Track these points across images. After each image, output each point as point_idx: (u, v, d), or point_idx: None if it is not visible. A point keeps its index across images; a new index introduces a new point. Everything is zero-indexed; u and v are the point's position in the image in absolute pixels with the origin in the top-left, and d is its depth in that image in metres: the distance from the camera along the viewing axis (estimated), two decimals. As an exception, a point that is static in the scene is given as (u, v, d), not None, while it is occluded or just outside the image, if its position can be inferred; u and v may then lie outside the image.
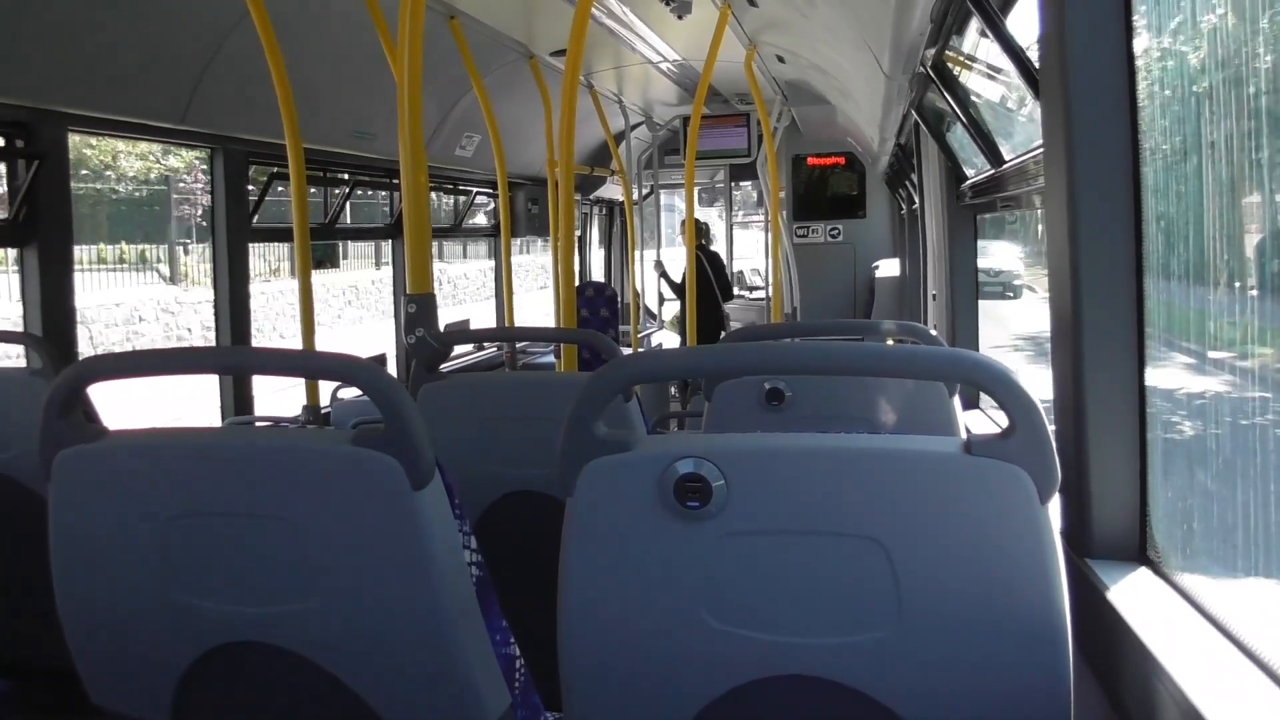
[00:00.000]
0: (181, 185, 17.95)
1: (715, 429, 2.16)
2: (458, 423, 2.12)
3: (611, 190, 8.13)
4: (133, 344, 13.65)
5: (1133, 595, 1.34)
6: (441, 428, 2.07)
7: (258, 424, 3.65)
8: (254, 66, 3.31)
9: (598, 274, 8.96)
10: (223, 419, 3.74)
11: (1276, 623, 1.17)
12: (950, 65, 3.16)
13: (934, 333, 2.40)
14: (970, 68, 3.21)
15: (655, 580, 1.08)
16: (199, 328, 15.05)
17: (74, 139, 3.14)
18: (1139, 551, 1.46)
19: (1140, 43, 1.44)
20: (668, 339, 8.83)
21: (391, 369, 5.11)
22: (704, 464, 1.05)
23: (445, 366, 3.30)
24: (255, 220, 3.99)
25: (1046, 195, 1.61)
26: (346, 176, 4.79)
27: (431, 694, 1.21)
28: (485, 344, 6.31)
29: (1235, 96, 1.31)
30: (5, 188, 3.08)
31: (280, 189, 4.10)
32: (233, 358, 2.32)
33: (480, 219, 7.28)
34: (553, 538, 1.12)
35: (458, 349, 5.62)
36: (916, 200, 4.73)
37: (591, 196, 8.18)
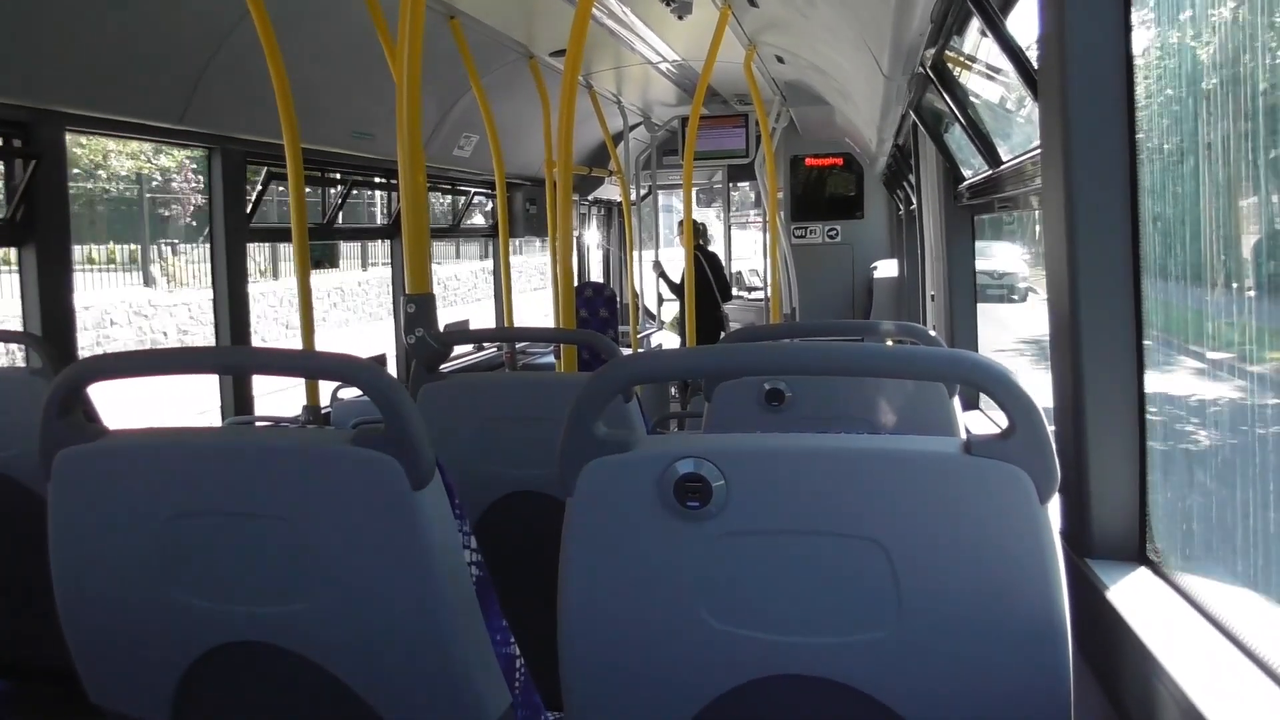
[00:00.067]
0: (155, 184, 17.73)
1: (715, 429, 2.16)
2: (458, 423, 2.12)
3: (610, 191, 8.13)
4: (103, 348, 13.32)
5: (1132, 595, 1.34)
6: (441, 428, 2.07)
7: (258, 424, 3.65)
8: (253, 66, 3.31)
9: (596, 274, 8.96)
10: (223, 419, 3.74)
11: (1276, 622, 1.17)
12: (949, 66, 3.16)
13: (933, 333, 2.40)
14: (969, 68, 3.22)
15: (655, 580, 1.08)
16: (174, 331, 14.69)
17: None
18: (1139, 551, 1.46)
19: (1139, 43, 1.44)
20: (667, 339, 8.83)
21: (391, 369, 5.11)
22: (704, 464, 1.05)
23: (445, 366, 3.29)
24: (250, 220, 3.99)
25: (1044, 196, 1.61)
26: (344, 176, 4.79)
27: (431, 693, 1.21)
28: (485, 344, 6.31)
29: (1233, 96, 1.31)
30: (3, 187, 3.07)
31: (280, 189, 4.10)
32: (233, 358, 2.32)
33: (478, 219, 7.28)
34: (553, 538, 1.12)
35: (457, 349, 5.62)
36: (914, 201, 4.73)
37: (590, 197, 8.18)
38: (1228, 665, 1.12)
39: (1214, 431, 1.52)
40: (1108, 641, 1.31)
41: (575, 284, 3.66)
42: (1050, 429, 1.02)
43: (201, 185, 17.99)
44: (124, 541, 1.23)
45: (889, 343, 2.63)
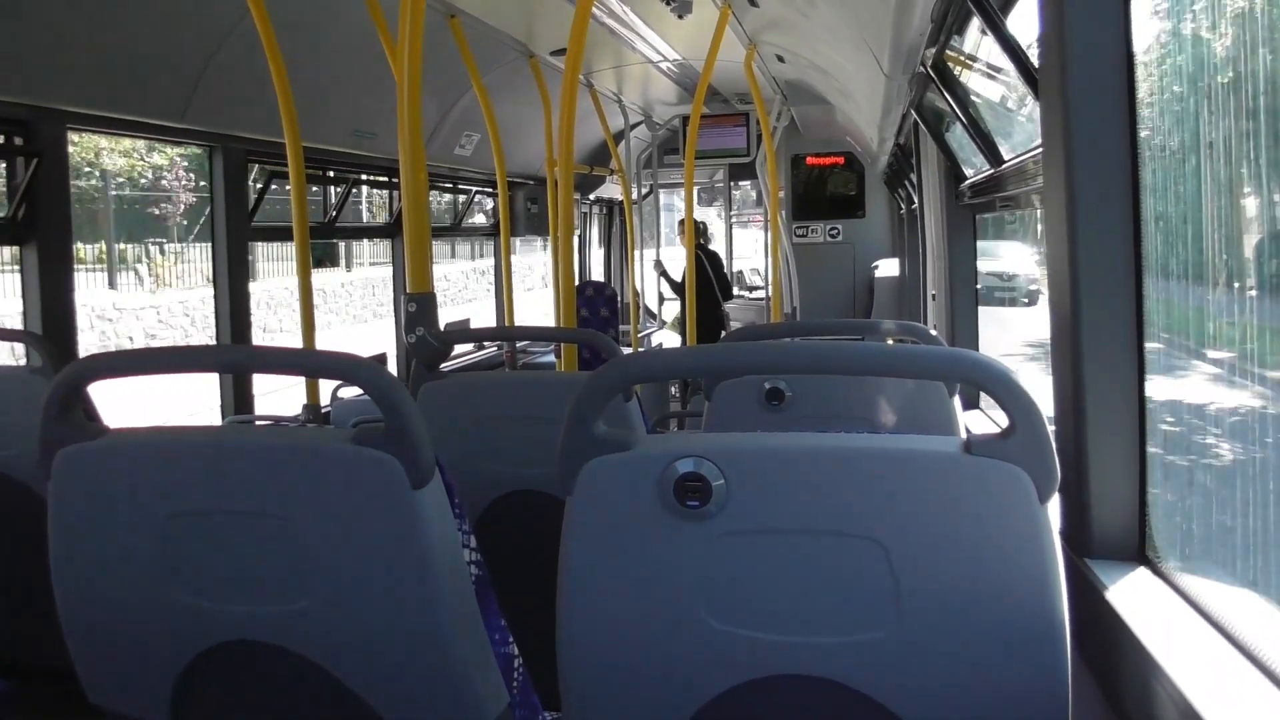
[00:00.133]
0: (119, 181, 17.54)
1: (715, 429, 2.16)
2: (458, 422, 2.12)
3: (611, 190, 8.13)
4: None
5: (1131, 595, 1.34)
6: (441, 427, 2.07)
7: (258, 423, 3.65)
8: (254, 65, 3.31)
9: (597, 273, 8.96)
10: (223, 418, 3.74)
11: (1275, 622, 1.17)
12: (950, 65, 3.16)
13: (934, 332, 2.40)
14: (970, 67, 3.22)
15: (654, 579, 1.08)
16: (141, 336, 14.15)
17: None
18: (1138, 551, 1.46)
19: (1140, 42, 1.44)
20: (668, 339, 8.83)
21: (391, 368, 5.11)
22: (704, 463, 1.05)
23: (445, 366, 3.30)
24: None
25: (1045, 195, 1.61)
26: (346, 175, 4.79)
27: (430, 693, 1.21)
28: (485, 343, 6.31)
29: (1234, 96, 1.31)
30: (4, 185, 3.07)
31: (282, 188, 4.10)
32: (233, 356, 2.32)
33: (479, 218, 7.28)
34: (552, 537, 1.12)
35: (458, 349, 5.62)
36: (916, 200, 4.73)
37: (591, 196, 8.18)
38: (1226, 666, 1.12)
39: (1214, 431, 1.52)
40: (1107, 642, 1.31)
41: (576, 283, 3.66)
42: (1050, 429, 1.01)
43: (191, 183, 17.93)
44: (124, 540, 1.23)
45: (889, 342, 2.63)
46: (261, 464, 1.20)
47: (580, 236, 8.40)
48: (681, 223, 7.68)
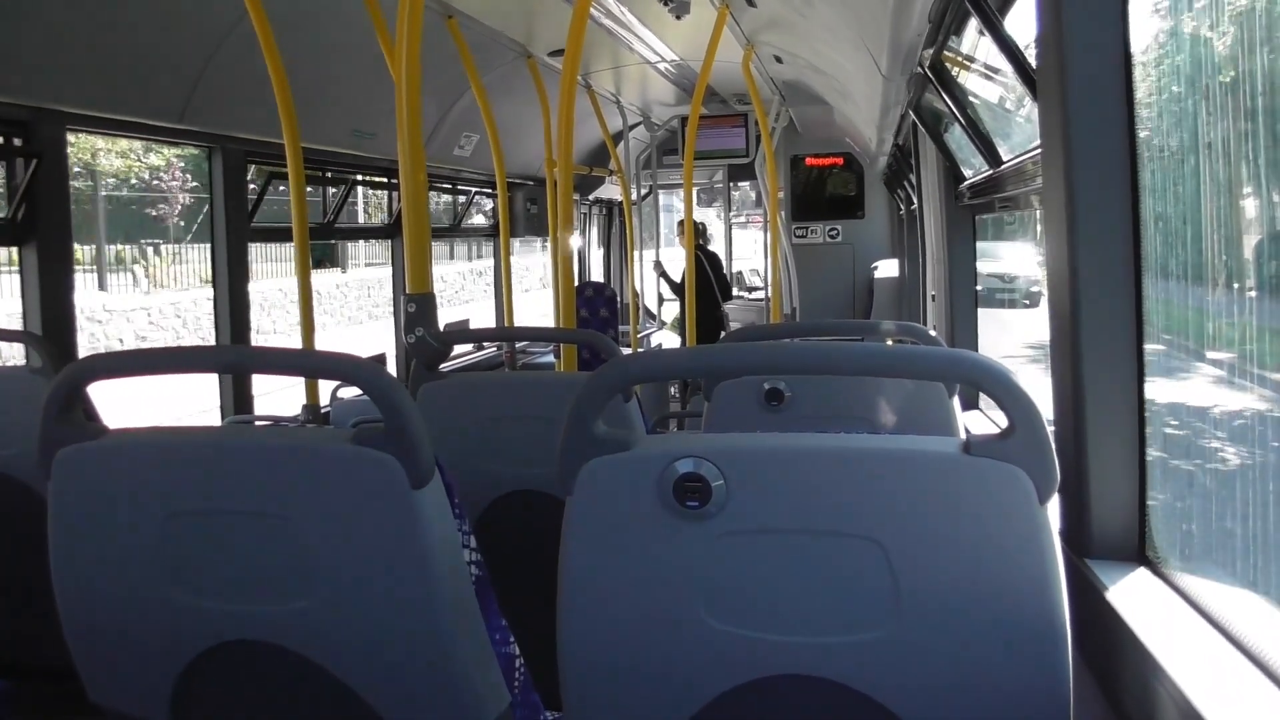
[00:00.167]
0: (114, 182, 17.42)
1: (715, 429, 2.16)
2: (457, 422, 2.12)
3: (610, 190, 8.13)
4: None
5: (1131, 595, 1.35)
6: (441, 427, 2.07)
7: (258, 423, 3.65)
8: (253, 66, 3.31)
9: (596, 274, 8.96)
10: (223, 418, 3.74)
11: (1275, 622, 1.17)
12: (948, 66, 3.16)
13: (933, 333, 2.40)
14: (968, 68, 3.22)
15: (654, 579, 1.08)
16: (131, 338, 13.99)
17: None
18: (1138, 551, 1.46)
19: (1138, 42, 1.44)
20: (667, 339, 8.83)
21: (391, 369, 5.11)
22: (703, 464, 1.05)
23: (445, 366, 3.30)
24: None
25: (1045, 195, 1.61)
26: (345, 176, 4.79)
27: (430, 692, 1.21)
28: (485, 344, 6.31)
29: (1233, 96, 1.31)
30: (4, 186, 3.07)
31: (276, 189, 4.10)
32: (233, 356, 2.32)
33: (478, 219, 7.28)
34: (552, 537, 1.12)
35: (457, 349, 5.62)
36: (915, 201, 4.73)
37: (590, 197, 8.18)
38: (1226, 665, 1.12)
39: (1215, 432, 1.52)
40: (1107, 642, 1.31)
41: (575, 284, 3.66)
42: (1050, 429, 1.02)
43: (188, 184, 17.85)
44: (124, 540, 1.23)
45: (889, 342, 2.63)
46: (261, 464, 1.20)
47: (579, 236, 8.41)
48: (681, 223, 7.69)
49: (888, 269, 7.69)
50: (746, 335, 2.52)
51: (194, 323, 15.04)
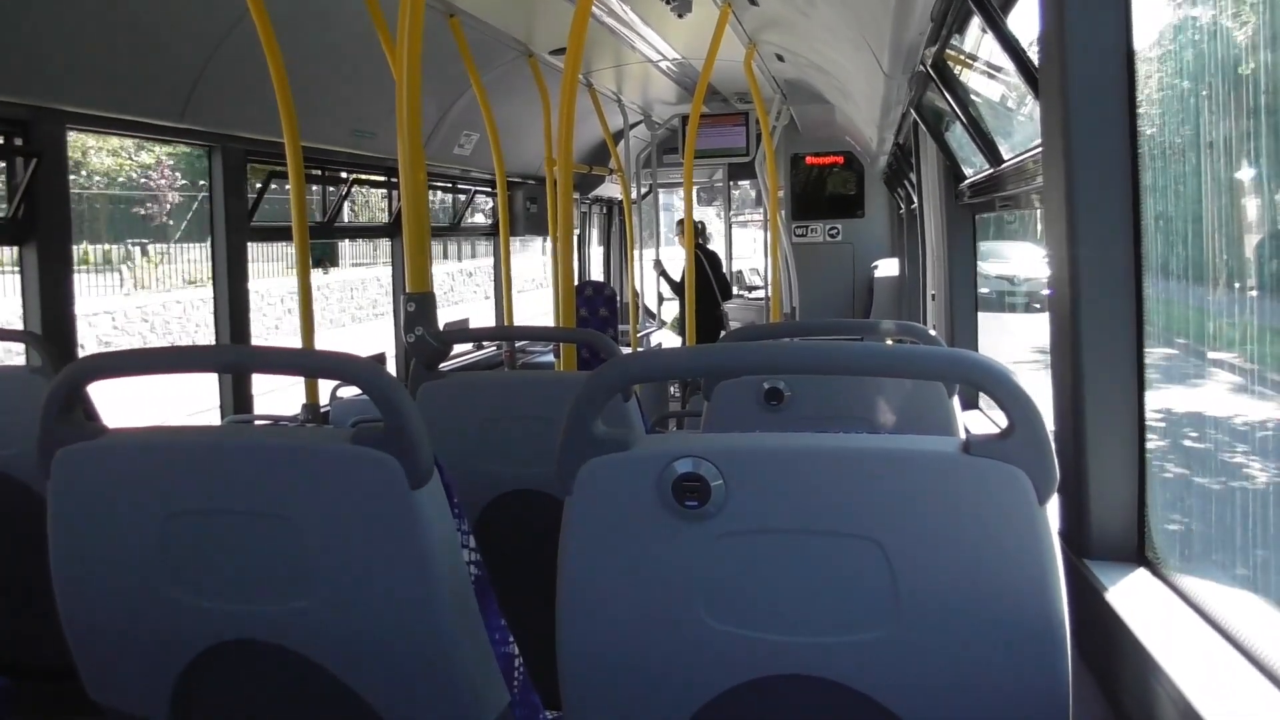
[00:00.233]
0: (121, 180, 17.29)
1: (714, 429, 2.16)
2: (457, 422, 2.12)
3: (610, 189, 8.13)
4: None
5: (1131, 596, 1.34)
6: (441, 426, 2.07)
7: (257, 422, 3.65)
8: (253, 65, 3.31)
9: (596, 273, 8.96)
10: (222, 417, 3.74)
11: (1274, 623, 1.17)
12: (950, 64, 3.16)
13: (933, 333, 2.40)
14: (970, 66, 3.22)
15: (653, 579, 1.08)
16: (94, 343, 13.47)
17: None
18: (1137, 552, 1.46)
19: (1140, 41, 1.44)
20: (667, 338, 8.83)
21: (391, 368, 5.11)
22: (702, 463, 1.05)
23: (444, 365, 3.30)
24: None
25: (1045, 194, 1.61)
26: (344, 175, 4.79)
27: (430, 692, 1.21)
28: (485, 343, 6.32)
29: (1235, 95, 1.31)
30: (4, 185, 3.07)
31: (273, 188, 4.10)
32: (233, 356, 2.32)
33: (478, 218, 7.28)
34: (551, 537, 1.12)
35: (457, 348, 5.62)
36: (915, 200, 4.73)
37: (590, 195, 8.18)
38: (1226, 666, 1.12)
39: (1214, 432, 1.52)
40: (1106, 642, 1.31)
41: (575, 283, 3.65)
42: (1050, 429, 1.01)
43: (177, 182, 17.78)
44: (123, 539, 1.23)
45: (889, 342, 2.63)
46: (261, 464, 1.20)
47: (579, 236, 8.40)
48: (680, 222, 7.68)
49: (888, 268, 7.68)
50: (746, 335, 2.52)
51: (162, 327, 14.79)
